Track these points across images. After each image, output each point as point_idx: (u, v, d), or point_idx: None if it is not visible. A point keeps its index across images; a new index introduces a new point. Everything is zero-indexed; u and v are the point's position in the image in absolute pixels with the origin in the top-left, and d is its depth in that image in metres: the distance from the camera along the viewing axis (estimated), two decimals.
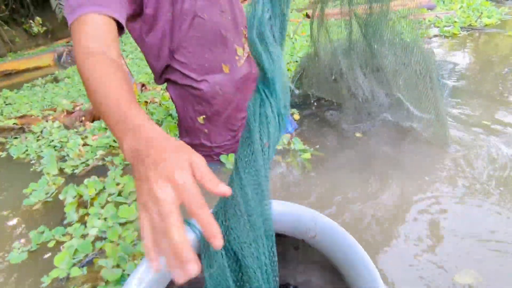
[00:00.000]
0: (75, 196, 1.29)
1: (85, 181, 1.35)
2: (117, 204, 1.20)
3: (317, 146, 1.37)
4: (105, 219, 1.14)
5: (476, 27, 2.52)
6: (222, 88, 1.08)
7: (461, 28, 2.53)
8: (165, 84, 1.14)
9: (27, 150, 1.73)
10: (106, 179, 1.36)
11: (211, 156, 1.25)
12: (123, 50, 3.69)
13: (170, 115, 1.83)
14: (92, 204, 1.23)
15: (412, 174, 1.13)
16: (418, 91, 1.32)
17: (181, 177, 0.35)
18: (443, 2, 3.33)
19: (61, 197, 1.30)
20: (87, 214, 1.18)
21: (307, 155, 1.31)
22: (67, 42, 4.63)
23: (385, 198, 1.05)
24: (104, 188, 1.31)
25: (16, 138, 1.89)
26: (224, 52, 1.04)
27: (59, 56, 3.70)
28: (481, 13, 2.73)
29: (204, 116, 1.14)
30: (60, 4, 4.46)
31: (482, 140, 1.25)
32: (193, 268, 0.33)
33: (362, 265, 0.37)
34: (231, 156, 1.25)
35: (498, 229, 0.88)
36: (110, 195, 1.27)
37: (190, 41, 0.99)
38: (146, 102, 1.96)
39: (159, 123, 1.78)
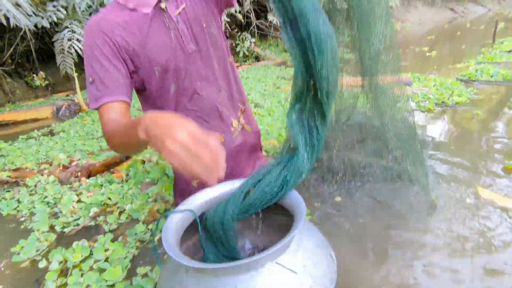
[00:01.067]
0: (61, 262, 1.27)
1: (74, 244, 1.34)
2: (101, 270, 1.20)
3: (316, 204, 1.43)
4: (87, 286, 1.13)
5: (448, 104, 2.79)
6: None
7: (436, 104, 2.80)
8: None
9: (18, 206, 1.73)
10: (95, 243, 1.36)
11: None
12: None
13: (166, 174, 1.89)
14: (71, 274, 1.20)
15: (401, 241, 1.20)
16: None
17: (181, 134, 0.57)
18: (419, 79, 3.70)
19: (42, 264, 1.27)
20: (66, 284, 1.16)
21: (307, 217, 1.36)
22: (67, 95, 4.79)
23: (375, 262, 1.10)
24: (91, 253, 1.30)
25: (8, 191, 1.89)
26: (219, 124, 1.15)
27: (58, 109, 3.81)
28: (452, 91, 3.04)
29: (198, 180, 1.22)
30: (65, 61, 4.72)
31: (461, 208, 1.34)
32: (224, 166, 0.59)
33: (298, 202, 0.69)
34: None
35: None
36: (96, 261, 1.26)
37: (189, 113, 1.11)
38: (143, 161, 2.03)
39: (155, 182, 1.83)
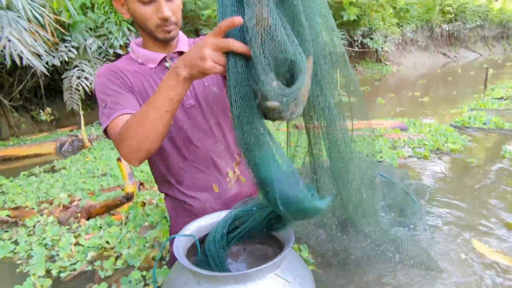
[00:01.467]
0: None
1: None
2: None
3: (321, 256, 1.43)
4: None
5: (443, 151, 2.86)
6: (211, 205, 1.20)
7: (431, 151, 2.88)
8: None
9: (15, 248, 1.72)
10: None
11: None
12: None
13: (165, 217, 1.91)
14: None
15: None
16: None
17: (207, 52, 0.71)
18: (414, 124, 3.81)
19: None
20: None
21: (310, 267, 1.37)
22: (71, 130, 4.89)
23: None
24: None
25: (6, 231, 1.89)
26: (215, 174, 1.20)
27: (61, 145, 3.88)
28: (447, 138, 3.13)
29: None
30: (72, 97, 4.88)
31: (454, 261, 1.35)
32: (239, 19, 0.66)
33: (289, 234, 0.81)
34: None
35: None
36: None
37: (185, 162, 1.17)
38: (143, 203, 2.05)
39: (154, 226, 1.84)
